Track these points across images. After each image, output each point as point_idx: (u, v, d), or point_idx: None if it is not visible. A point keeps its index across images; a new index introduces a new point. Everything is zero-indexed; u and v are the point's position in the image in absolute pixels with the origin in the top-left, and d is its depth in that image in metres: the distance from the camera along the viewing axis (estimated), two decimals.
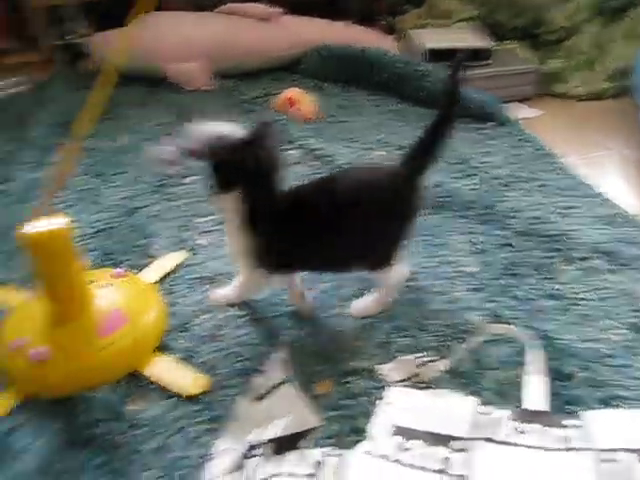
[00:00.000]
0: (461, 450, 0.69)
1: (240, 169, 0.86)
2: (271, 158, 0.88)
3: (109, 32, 2.26)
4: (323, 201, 0.90)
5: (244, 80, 2.19)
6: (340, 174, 1.00)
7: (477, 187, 1.40)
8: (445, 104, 0.97)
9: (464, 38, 2.15)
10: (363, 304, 1.02)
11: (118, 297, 1.00)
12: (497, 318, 1.00)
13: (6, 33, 2.40)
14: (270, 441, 0.70)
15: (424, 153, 0.97)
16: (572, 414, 0.78)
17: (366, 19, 2.55)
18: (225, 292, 1.05)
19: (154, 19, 2.18)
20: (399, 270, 0.99)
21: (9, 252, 1.23)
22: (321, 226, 0.90)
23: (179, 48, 2.14)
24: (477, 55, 2.05)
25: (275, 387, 0.74)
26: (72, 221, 0.90)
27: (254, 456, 0.70)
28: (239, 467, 0.68)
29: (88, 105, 0.87)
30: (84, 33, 2.37)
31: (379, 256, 0.96)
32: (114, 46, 2.15)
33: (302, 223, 0.90)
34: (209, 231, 1.29)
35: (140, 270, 1.16)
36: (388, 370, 0.89)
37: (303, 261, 0.98)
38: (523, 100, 2.02)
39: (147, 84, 2.18)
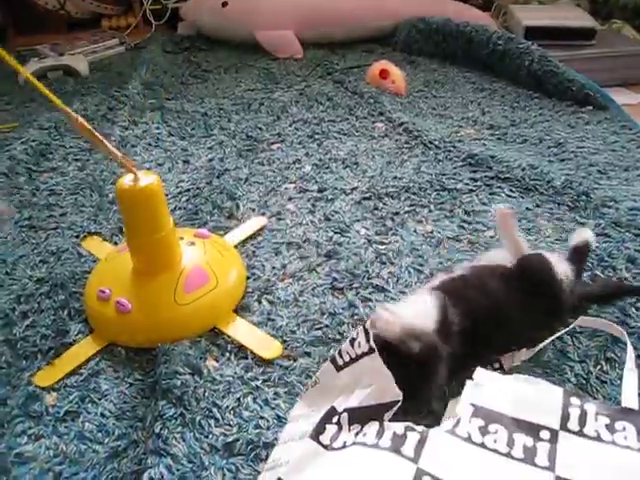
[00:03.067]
0: (549, 441, 0.66)
1: None
2: None
3: None
4: None
5: (334, 50, 2.17)
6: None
7: (572, 172, 1.33)
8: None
9: (566, 16, 2.05)
10: None
11: (200, 256, 1.01)
12: (586, 310, 0.96)
13: None
14: (350, 410, 0.70)
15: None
16: None
17: None
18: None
19: None
20: None
21: (99, 205, 1.28)
22: None
23: (271, 15, 2.15)
24: (580, 35, 1.95)
25: (360, 356, 0.73)
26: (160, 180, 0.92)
27: (333, 423, 0.69)
28: (317, 432, 0.68)
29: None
30: None
31: None
32: (207, 11, 2.22)
33: None
34: (297, 197, 1.30)
35: (225, 231, 1.18)
36: None
37: None
38: (627, 85, 1.91)
39: (238, 50, 2.20)
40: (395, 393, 0.68)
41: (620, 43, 1.97)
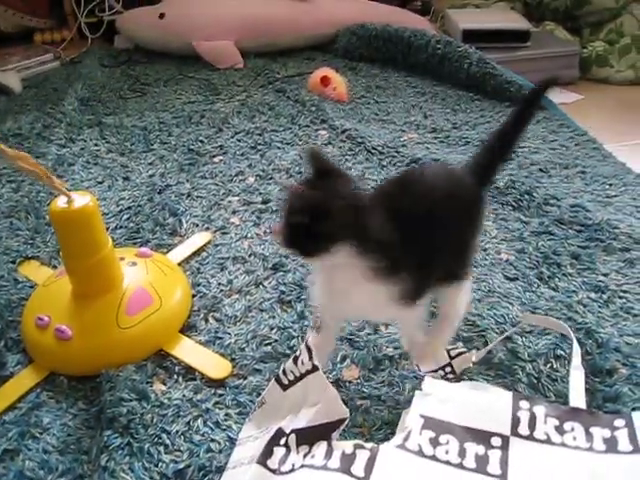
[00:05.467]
0: (501, 448, 0.66)
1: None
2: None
3: (139, 9, 2.26)
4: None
5: (276, 59, 2.16)
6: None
7: (514, 172, 1.35)
8: (522, 112, 0.86)
9: (502, 19, 2.09)
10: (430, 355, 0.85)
11: (143, 276, 0.98)
12: (535, 309, 0.96)
13: (44, 12, 2.41)
14: (298, 430, 0.68)
15: (494, 162, 0.85)
16: (622, 414, 0.73)
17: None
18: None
19: None
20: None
21: (35, 228, 1.23)
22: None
23: (210, 26, 2.12)
24: (515, 37, 1.99)
25: (305, 374, 0.72)
26: (100, 198, 0.89)
27: (280, 445, 0.67)
28: (264, 455, 0.66)
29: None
30: (116, 10, 2.37)
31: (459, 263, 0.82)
32: (144, 24, 2.18)
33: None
34: (241, 210, 1.28)
35: (168, 249, 1.15)
36: (420, 359, 0.85)
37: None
38: (562, 84, 1.95)
39: (177, 62, 2.16)
40: (342, 411, 0.67)
41: (553, 44, 2.02)
